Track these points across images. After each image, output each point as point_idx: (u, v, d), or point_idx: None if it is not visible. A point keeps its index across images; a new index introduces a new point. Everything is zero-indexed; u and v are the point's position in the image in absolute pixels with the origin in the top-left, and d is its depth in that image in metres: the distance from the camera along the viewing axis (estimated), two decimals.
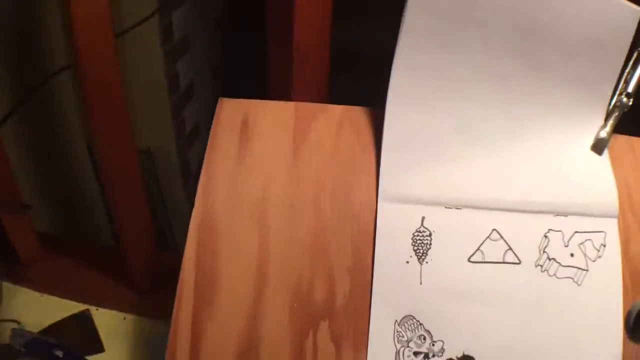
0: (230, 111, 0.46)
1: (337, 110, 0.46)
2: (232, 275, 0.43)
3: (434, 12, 0.42)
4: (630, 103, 0.49)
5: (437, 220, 0.44)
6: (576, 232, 0.47)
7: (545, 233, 0.46)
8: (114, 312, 0.64)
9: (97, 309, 0.66)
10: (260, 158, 0.44)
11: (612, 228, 0.47)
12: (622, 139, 0.52)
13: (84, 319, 0.67)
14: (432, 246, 0.43)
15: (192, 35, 0.80)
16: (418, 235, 0.43)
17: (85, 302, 0.67)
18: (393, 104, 0.44)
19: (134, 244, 0.63)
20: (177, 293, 0.43)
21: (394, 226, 0.43)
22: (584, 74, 0.48)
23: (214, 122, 0.46)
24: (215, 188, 0.44)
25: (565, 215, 0.47)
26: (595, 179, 0.48)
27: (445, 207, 0.44)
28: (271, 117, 0.46)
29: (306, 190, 0.44)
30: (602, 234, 0.47)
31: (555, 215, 0.47)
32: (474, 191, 0.45)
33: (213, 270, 0.43)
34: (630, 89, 0.49)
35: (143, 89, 0.74)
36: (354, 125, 0.46)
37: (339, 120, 0.46)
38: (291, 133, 0.45)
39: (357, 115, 0.46)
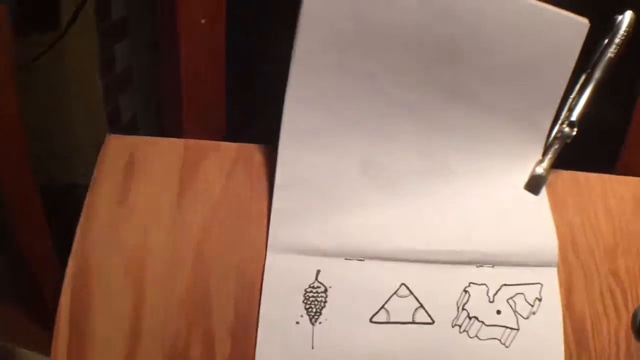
0: (116, 149, 0.42)
1: (230, 148, 0.41)
2: (105, 330, 0.38)
3: (331, 32, 0.37)
4: (574, 133, 0.43)
5: (335, 274, 0.38)
6: (504, 285, 0.41)
7: (466, 287, 0.40)
8: (34, 353, 0.61)
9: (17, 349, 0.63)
10: (143, 201, 0.40)
11: (550, 278, 0.41)
12: (566, 175, 0.46)
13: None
14: (327, 304, 0.38)
15: (135, 68, 0.76)
16: (311, 292, 0.38)
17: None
18: (286, 141, 0.39)
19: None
20: (52, 347, 0.39)
21: (283, 281, 0.38)
22: (516, 102, 0.41)
23: (98, 160, 0.42)
24: (94, 232, 0.40)
25: (491, 266, 0.41)
26: (530, 222, 0.42)
27: (346, 259, 0.39)
28: (158, 156, 0.41)
29: (189, 239, 0.39)
30: (538, 286, 0.41)
31: (478, 266, 0.41)
32: (380, 240, 0.39)
33: (86, 325, 0.38)
34: (574, 117, 0.43)
35: (83, 123, 0.71)
36: (248, 165, 0.41)
37: (232, 159, 0.41)
38: (177, 173, 0.41)
39: (252, 153, 0.41)
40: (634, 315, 0.33)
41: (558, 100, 0.42)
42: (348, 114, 0.39)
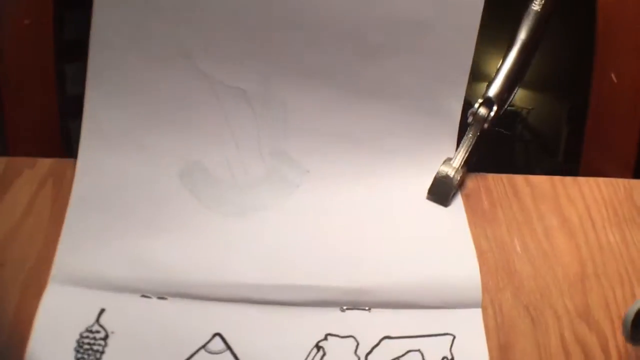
0: None
1: (45, 163, 0.33)
2: None
3: (127, 10, 0.29)
4: (493, 114, 0.30)
5: (123, 316, 0.26)
6: (386, 337, 0.26)
7: (320, 341, 0.26)
8: None
9: None
10: None
11: (468, 327, 0.26)
12: (497, 179, 0.32)
13: None
14: (103, 356, 0.26)
15: None
16: (87, 337, 0.26)
17: None
18: (86, 145, 0.30)
19: None
20: None
21: (57, 320, 0.26)
22: (412, 80, 0.30)
23: None
24: None
25: (367, 309, 0.27)
26: (437, 246, 0.28)
27: (142, 296, 0.27)
28: None
29: None
30: (447, 338, 0.26)
31: (344, 310, 0.27)
32: (192, 271, 0.27)
33: None
34: (491, 92, 0.30)
35: None
36: (59, 181, 0.33)
37: (43, 175, 0.33)
38: None
39: (67, 168, 0.33)
40: (624, 322, 0.24)
41: (467, 71, 0.30)
42: (163, 103, 0.30)
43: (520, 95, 0.43)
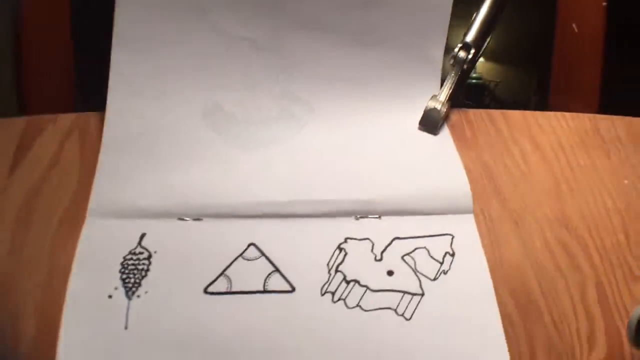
0: None
1: (67, 118, 0.37)
2: None
3: None
4: (470, 56, 0.35)
5: (163, 237, 0.30)
6: (396, 238, 0.31)
7: (340, 244, 0.30)
8: None
9: None
10: None
11: (464, 228, 0.30)
12: (478, 114, 0.37)
13: None
14: (149, 273, 0.29)
15: None
16: (131, 259, 0.30)
17: None
18: (115, 90, 0.33)
19: None
20: None
21: (98, 249, 0.29)
22: (399, 31, 0.35)
23: None
24: None
25: (377, 217, 0.31)
26: (431, 165, 0.33)
27: (179, 219, 0.31)
28: None
29: (10, 214, 0.33)
30: (446, 238, 0.31)
31: (358, 218, 0.31)
32: (224, 195, 0.31)
33: None
34: (469, 38, 0.35)
35: None
36: (83, 133, 0.36)
37: (67, 129, 0.36)
38: (13, 149, 0.36)
39: (89, 120, 0.36)
40: (629, 325, 0.25)
41: (447, 21, 0.35)
42: (183, 55, 0.34)
43: (487, 68, 0.48)
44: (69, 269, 0.30)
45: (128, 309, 0.28)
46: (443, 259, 0.29)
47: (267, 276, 0.29)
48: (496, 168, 0.35)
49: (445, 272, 0.29)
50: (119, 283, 0.29)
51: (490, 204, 0.33)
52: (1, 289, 0.30)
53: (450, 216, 0.31)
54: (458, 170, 0.33)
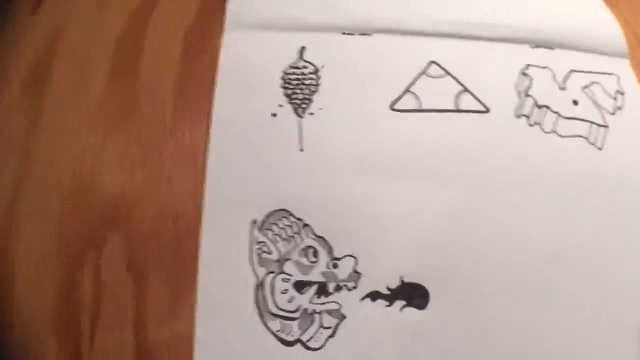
0: None
1: None
2: None
3: None
4: None
5: (329, 51, 0.25)
6: (572, 70, 0.28)
7: (523, 70, 0.27)
8: None
9: None
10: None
11: (625, 72, 0.29)
12: None
13: None
14: (320, 88, 0.25)
15: None
16: (294, 74, 0.25)
17: None
18: None
19: None
20: None
21: (248, 62, 0.24)
22: None
23: None
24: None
25: (550, 49, 0.29)
26: (586, 8, 0.31)
27: (343, 34, 0.26)
28: None
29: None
30: (614, 77, 0.29)
31: (533, 47, 0.29)
32: (394, 9, 0.27)
33: None
34: None
35: None
36: None
37: None
38: None
39: None
40: None
41: None
42: None
43: None
44: (203, 92, 0.24)
45: (301, 129, 0.23)
46: (616, 95, 0.28)
47: (457, 95, 0.25)
48: (632, 22, 0.33)
49: (620, 109, 0.27)
50: (284, 100, 0.23)
51: (634, 50, 0.31)
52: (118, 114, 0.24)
53: (612, 58, 0.29)
54: (609, 15, 0.31)
